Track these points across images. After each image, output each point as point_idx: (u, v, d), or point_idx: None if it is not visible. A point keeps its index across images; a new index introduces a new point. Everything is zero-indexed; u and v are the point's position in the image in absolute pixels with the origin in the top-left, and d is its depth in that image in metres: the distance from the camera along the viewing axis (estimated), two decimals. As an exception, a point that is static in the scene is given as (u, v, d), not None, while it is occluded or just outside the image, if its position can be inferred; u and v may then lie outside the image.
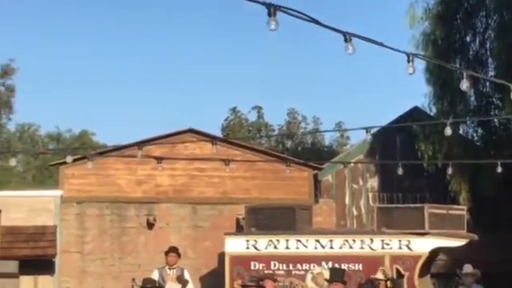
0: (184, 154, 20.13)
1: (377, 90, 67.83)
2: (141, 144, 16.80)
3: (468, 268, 15.25)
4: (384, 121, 22.76)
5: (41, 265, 19.00)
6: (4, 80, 43.60)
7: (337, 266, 15.95)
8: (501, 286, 16.01)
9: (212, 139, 16.75)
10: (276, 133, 43.60)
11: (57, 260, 19.57)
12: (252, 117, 44.61)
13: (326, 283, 13.56)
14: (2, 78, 43.39)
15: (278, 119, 53.12)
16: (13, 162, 16.22)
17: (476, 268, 15.32)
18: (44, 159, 41.01)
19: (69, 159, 16.17)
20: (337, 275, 13.50)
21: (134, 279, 16.77)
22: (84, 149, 31.18)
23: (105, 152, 20.86)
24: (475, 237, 17.20)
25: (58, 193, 20.34)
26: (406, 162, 17.08)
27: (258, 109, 44.87)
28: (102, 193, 20.32)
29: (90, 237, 20.20)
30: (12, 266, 16.00)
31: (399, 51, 7.36)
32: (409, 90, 50.84)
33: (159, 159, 16.19)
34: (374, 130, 15.75)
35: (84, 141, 48.76)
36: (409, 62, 7.44)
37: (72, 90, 74.06)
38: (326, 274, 14.13)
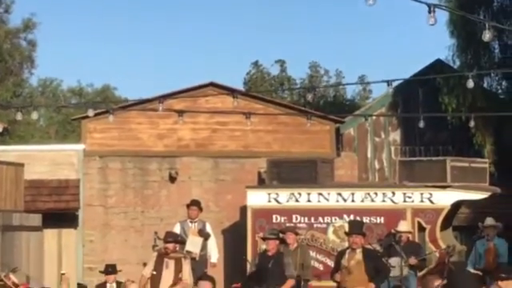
0: (205, 108, 20.11)
1: (400, 43, 67.39)
2: (162, 98, 16.80)
3: (490, 221, 15.21)
4: (407, 74, 22.57)
5: (64, 218, 19.16)
6: (25, 34, 43.56)
7: (358, 218, 15.96)
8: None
9: (233, 92, 16.65)
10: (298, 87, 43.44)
11: (80, 213, 19.71)
12: (274, 71, 44.45)
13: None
14: (23, 33, 43.35)
15: (301, 73, 52.94)
16: (34, 115, 16.25)
17: (498, 221, 15.28)
18: (66, 114, 41.13)
19: (90, 113, 16.19)
20: (356, 227, 13.50)
21: (156, 232, 16.89)
22: (106, 103, 31.19)
23: (127, 106, 20.88)
24: (498, 190, 17.14)
25: (80, 147, 20.43)
26: (428, 115, 16.99)
27: (281, 62, 44.66)
28: (124, 147, 20.38)
29: (112, 190, 20.31)
30: (36, 220, 16.11)
31: (420, 1, 7.27)
32: (432, 42, 50.46)
33: (180, 113, 16.18)
34: (396, 83, 15.66)
35: (106, 95, 48.81)
36: (430, 12, 7.39)
37: (94, 44, 74.10)
38: (347, 228, 14.13)
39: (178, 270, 13.58)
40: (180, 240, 14.79)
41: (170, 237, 14.25)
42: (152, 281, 13.65)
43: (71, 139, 32.55)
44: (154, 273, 13.69)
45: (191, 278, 13.44)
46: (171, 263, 13.71)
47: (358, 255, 12.97)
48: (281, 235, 14.60)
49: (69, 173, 19.84)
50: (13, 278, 10.47)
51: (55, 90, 51.87)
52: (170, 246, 13.85)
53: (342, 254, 13.50)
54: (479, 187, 17.07)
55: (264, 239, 14.48)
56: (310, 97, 32.91)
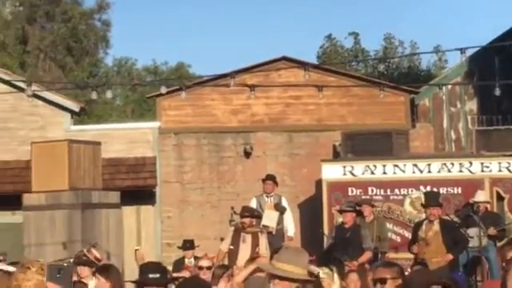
0: (278, 82, 20.10)
1: (475, 10, 66.20)
2: (234, 73, 16.84)
3: None
4: (483, 43, 22.15)
5: (142, 195, 19.42)
6: (100, 15, 44.09)
7: (435, 189, 15.81)
8: None
9: (305, 66, 16.60)
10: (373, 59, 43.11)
11: (157, 190, 19.95)
12: (348, 43, 44.17)
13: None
14: (97, 13, 43.89)
15: (375, 45, 52.49)
16: (109, 94, 16.44)
17: None
18: (142, 92, 41.56)
19: (163, 90, 16.34)
20: (432, 199, 13.39)
21: (232, 208, 17.00)
22: (178, 79, 31.40)
23: (200, 83, 20.99)
24: None
25: (155, 124, 20.63)
26: (505, 82, 16.67)
27: (355, 35, 44.36)
28: (199, 123, 20.51)
29: (188, 167, 20.47)
30: (114, 197, 16.34)
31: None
32: (509, 8, 49.41)
33: (252, 87, 16.21)
34: (471, 52, 15.40)
35: (181, 73, 49.14)
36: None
37: (167, 22, 74.59)
38: (424, 199, 14.02)
39: (255, 244, 13.68)
40: (256, 215, 14.87)
41: (247, 211, 14.34)
42: (229, 255, 13.78)
43: (147, 117, 32.87)
44: (232, 247, 13.81)
45: (268, 252, 13.52)
46: (248, 238, 13.82)
47: (436, 226, 12.88)
48: (357, 208, 14.57)
49: (145, 150, 20.08)
50: (95, 252, 10.63)
51: (130, 69, 52.44)
52: (247, 220, 13.95)
53: (419, 225, 13.43)
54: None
55: (341, 212, 14.47)
56: (381, 67, 32.60)
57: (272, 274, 5.61)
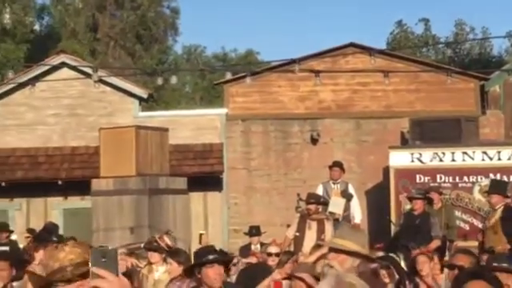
0: (346, 69, 19.97)
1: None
2: (301, 60, 16.79)
3: None
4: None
5: (209, 181, 19.51)
6: (169, 2, 44.38)
7: (505, 178, 15.55)
8: None
9: (372, 52, 16.45)
10: (442, 46, 42.61)
11: (224, 176, 20.02)
12: (418, 30, 43.73)
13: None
14: (166, 1, 44.19)
15: (446, 31, 51.82)
16: (174, 79, 16.51)
17: None
18: (211, 80, 41.76)
19: (228, 76, 16.35)
20: (495, 187, 13.14)
21: (299, 194, 16.99)
22: (244, 66, 31.43)
23: (267, 69, 20.97)
24: None
25: (223, 111, 20.69)
26: None
27: (425, 21, 43.89)
28: (266, 110, 20.51)
29: (255, 153, 20.50)
30: (181, 183, 16.43)
31: None
32: None
33: (317, 73, 16.12)
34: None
35: (249, 60, 49.27)
36: None
37: (236, 10, 74.75)
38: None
39: (321, 230, 13.62)
40: (322, 201, 14.81)
41: (312, 198, 14.30)
42: (295, 242, 13.75)
43: (216, 104, 33.03)
44: (297, 234, 13.78)
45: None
46: (314, 224, 13.77)
47: (498, 214, 12.67)
48: (429, 195, 14.40)
49: (212, 137, 20.16)
50: (166, 239, 10.72)
51: (199, 56, 52.74)
52: (312, 207, 13.90)
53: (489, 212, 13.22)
54: None
55: (410, 199, 14.31)
56: (450, 52, 32.18)
57: (330, 247, 5.56)
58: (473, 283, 4.35)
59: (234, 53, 52.77)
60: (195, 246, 17.13)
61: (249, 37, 73.81)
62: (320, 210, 14.33)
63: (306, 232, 13.66)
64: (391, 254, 9.85)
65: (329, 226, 13.85)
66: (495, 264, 6.46)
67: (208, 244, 11.20)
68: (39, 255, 10.37)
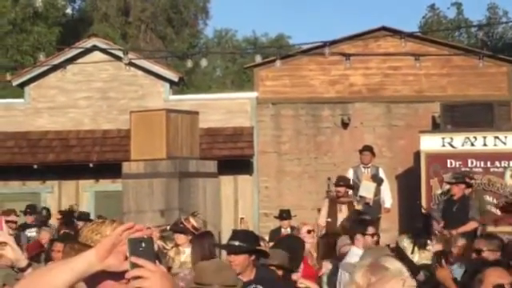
0: (377, 53, 19.87)
1: None
2: (332, 43, 16.73)
3: None
4: None
5: (239, 165, 19.54)
6: (200, -14, 44.38)
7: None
8: None
9: (403, 35, 16.34)
10: (476, 29, 42.27)
11: (254, 160, 20.04)
12: (451, 14, 43.44)
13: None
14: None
15: (478, 15, 51.40)
16: (204, 62, 16.49)
17: None
18: (241, 63, 41.75)
19: (258, 59, 16.33)
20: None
21: (329, 178, 16.99)
22: (275, 49, 31.38)
23: (297, 53, 20.93)
24: None
25: (253, 95, 20.69)
26: None
27: (458, 5, 43.60)
28: (296, 94, 20.47)
29: (285, 137, 20.49)
30: (212, 166, 16.46)
31: None
32: None
33: (348, 55, 16.06)
34: None
35: (280, 44, 49.20)
36: None
37: (267, -6, 74.61)
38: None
39: None
40: (351, 185, 14.79)
41: (341, 181, 14.31)
42: (328, 227, 13.71)
43: (246, 88, 33.03)
44: (329, 220, 13.76)
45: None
46: (344, 207, 13.77)
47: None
48: (468, 180, 14.26)
49: (243, 120, 20.18)
50: (193, 221, 10.74)
51: (230, 40, 52.74)
52: (342, 189, 13.91)
53: None
54: None
55: (449, 184, 14.22)
56: (481, 34, 31.91)
57: None
58: (490, 270, 4.34)
59: (265, 37, 52.70)
60: (225, 230, 17.22)
61: (280, 21, 73.70)
62: (350, 193, 14.33)
63: (338, 216, 13.64)
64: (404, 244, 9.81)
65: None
66: None
67: (248, 228, 11.25)
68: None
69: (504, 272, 4.43)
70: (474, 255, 7.90)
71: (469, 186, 14.17)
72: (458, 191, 13.65)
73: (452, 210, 13.43)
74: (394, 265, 3.02)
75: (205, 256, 7.98)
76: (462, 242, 10.02)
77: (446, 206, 13.84)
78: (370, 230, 9.03)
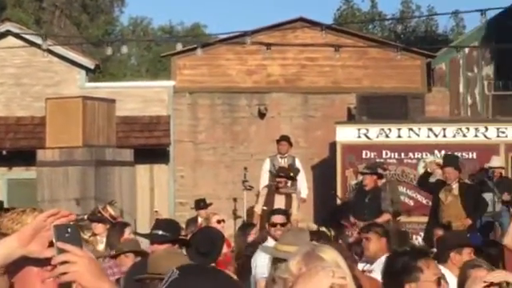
0: (295, 43, 19.97)
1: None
2: (250, 34, 16.76)
3: None
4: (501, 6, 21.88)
5: (156, 154, 19.42)
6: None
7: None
8: None
9: (321, 27, 16.49)
10: (390, 23, 42.88)
11: (171, 149, 19.94)
12: (365, 6, 43.95)
13: (439, 171, 13.36)
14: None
15: (392, 9, 52.16)
16: (124, 49, 16.36)
17: None
18: (157, 52, 41.48)
19: (179, 46, 16.25)
20: (450, 160, 13.28)
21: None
22: (194, 38, 31.25)
23: (215, 42, 20.89)
24: None
25: (170, 83, 20.57)
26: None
27: (372, -2, 44.10)
28: (214, 83, 20.44)
29: (202, 126, 20.43)
30: (128, 155, 16.37)
31: None
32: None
33: (268, 46, 16.11)
34: (490, 17, 15.13)
35: (196, 33, 49.03)
36: None
37: (183, -17, 74.24)
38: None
39: (289, 205, 13.67)
40: (291, 176, 14.86)
41: (282, 172, 14.43)
42: (262, 216, 13.72)
43: (162, 77, 32.83)
44: (265, 208, 13.80)
45: (299, 213, 13.61)
46: (282, 198, 13.85)
47: (455, 191, 12.78)
48: (380, 171, 14.47)
49: (159, 109, 20.04)
50: (110, 210, 10.67)
51: (146, 28, 52.35)
52: (282, 180, 14.01)
53: (438, 187, 13.19)
54: None
55: (362, 174, 14.41)
56: (398, 28, 32.39)
57: (276, 258, 5.49)
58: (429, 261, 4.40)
59: (181, 26, 52.47)
60: (141, 219, 17.13)
61: (195, 10, 73.43)
62: (288, 184, 14.43)
63: (275, 205, 13.66)
64: (323, 229, 9.96)
65: (295, 201, 13.98)
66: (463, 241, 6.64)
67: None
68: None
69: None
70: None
71: (380, 176, 14.39)
72: (369, 182, 13.83)
73: (364, 200, 13.62)
74: (331, 255, 3.02)
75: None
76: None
77: (358, 196, 14.04)
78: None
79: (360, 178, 14.92)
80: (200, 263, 6.77)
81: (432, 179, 13.53)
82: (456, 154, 15.58)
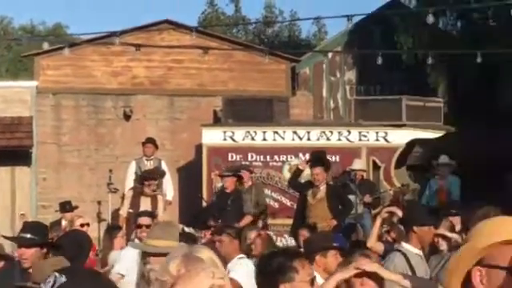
0: (161, 46, 19.88)
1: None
2: (116, 35, 16.60)
3: (444, 159, 15.27)
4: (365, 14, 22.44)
5: (17, 156, 18.92)
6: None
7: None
8: (476, 177, 16.15)
9: (189, 29, 16.51)
10: (254, 27, 43.28)
11: (33, 151, 19.48)
12: (229, 10, 44.23)
13: (307, 171, 13.55)
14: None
15: (256, 13, 52.69)
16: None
17: (452, 159, 15.37)
18: (17, 52, 40.47)
19: (45, 46, 15.93)
20: (318, 160, 13.49)
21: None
22: (59, 38, 30.75)
23: (80, 43, 20.58)
24: (452, 129, 17.32)
25: (33, 84, 20.11)
26: (386, 52, 16.97)
27: (236, 2, 44.43)
28: (78, 84, 20.11)
29: (66, 128, 20.08)
30: (-12, 157, 15.93)
31: None
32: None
33: (138, 46, 16.01)
34: (352, 24, 15.46)
35: (58, 33, 48.12)
36: None
37: (45, -18, 72.78)
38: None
39: (154, 207, 13.60)
40: (157, 178, 14.78)
41: (148, 174, 14.35)
42: (128, 219, 13.60)
43: (22, 77, 32.08)
44: (131, 211, 13.68)
45: (165, 215, 13.58)
46: (147, 201, 13.77)
47: (322, 192, 12.98)
48: (239, 173, 14.61)
49: (21, 110, 19.54)
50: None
51: (6, 27, 51.02)
52: (152, 183, 13.94)
53: (306, 188, 13.35)
54: (433, 126, 17.24)
55: (221, 177, 14.51)
56: (265, 32, 32.74)
57: (145, 252, 5.46)
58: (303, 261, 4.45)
59: (43, 25, 51.39)
60: (1, 221, 16.70)
61: (58, 10, 71.98)
62: (154, 186, 14.34)
63: (141, 208, 13.54)
64: (189, 230, 10.01)
65: (161, 203, 13.93)
66: (328, 244, 6.72)
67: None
68: None
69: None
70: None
71: (240, 178, 14.53)
72: (230, 184, 13.99)
73: (227, 202, 13.74)
74: (208, 255, 3.03)
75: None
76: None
77: (220, 198, 14.16)
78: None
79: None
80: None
81: (302, 180, 13.73)
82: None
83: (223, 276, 2.96)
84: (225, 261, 7.91)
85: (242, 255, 8.08)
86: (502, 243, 2.67)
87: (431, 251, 7.94)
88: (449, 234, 8.13)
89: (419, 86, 20.25)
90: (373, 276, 4.23)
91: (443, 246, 8.08)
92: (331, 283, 4.30)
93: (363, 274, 4.24)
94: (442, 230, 7.86)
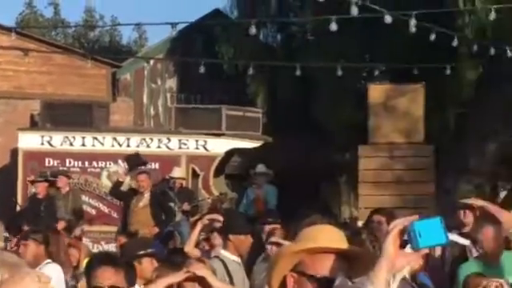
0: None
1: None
2: None
3: (261, 168, 15.53)
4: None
5: None
6: None
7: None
8: (293, 187, 16.56)
9: (8, 30, 16.08)
10: (73, 30, 42.60)
11: None
12: (48, 13, 43.42)
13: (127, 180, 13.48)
14: None
15: (76, 17, 51.96)
16: None
17: (269, 169, 15.65)
18: None
19: None
20: (136, 162, 13.45)
21: None
22: None
23: None
24: (269, 139, 17.69)
25: None
26: (208, 61, 17.10)
27: (55, 5, 43.67)
28: None
29: None
30: None
31: None
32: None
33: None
34: (175, 33, 15.41)
35: None
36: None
37: None
38: (121, 171, 14.08)
39: None
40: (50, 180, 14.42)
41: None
42: None
43: None
44: None
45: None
46: None
47: (146, 200, 12.99)
48: (51, 178, 14.40)
49: None
50: None
51: None
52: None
53: (130, 194, 13.29)
54: (252, 136, 17.55)
55: (33, 182, 14.29)
56: (91, 35, 32.35)
57: None
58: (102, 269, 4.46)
59: None
60: None
61: None
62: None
63: None
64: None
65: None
66: (141, 252, 6.69)
67: None
68: None
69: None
70: None
71: (53, 184, 14.35)
72: (42, 190, 13.86)
73: (40, 208, 13.56)
74: (20, 260, 2.97)
75: None
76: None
77: (33, 203, 13.97)
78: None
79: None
80: None
81: (123, 188, 13.62)
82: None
83: (49, 280, 2.93)
84: (31, 266, 7.72)
85: (49, 260, 7.91)
86: (317, 251, 2.80)
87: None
88: (282, 242, 8.29)
89: (239, 96, 20.50)
90: (202, 282, 4.27)
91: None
92: (159, 286, 4.31)
93: (194, 279, 4.26)
94: (275, 238, 7.99)
